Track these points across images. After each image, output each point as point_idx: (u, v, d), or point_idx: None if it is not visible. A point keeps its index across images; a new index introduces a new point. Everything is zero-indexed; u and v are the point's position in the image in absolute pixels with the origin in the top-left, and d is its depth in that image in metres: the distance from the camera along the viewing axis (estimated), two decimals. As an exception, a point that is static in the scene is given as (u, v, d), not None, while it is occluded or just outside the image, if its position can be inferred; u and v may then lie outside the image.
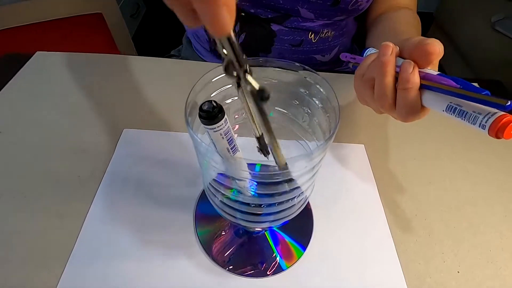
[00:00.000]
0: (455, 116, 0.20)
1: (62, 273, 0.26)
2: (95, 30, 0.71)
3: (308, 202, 0.33)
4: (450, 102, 0.20)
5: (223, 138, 0.19)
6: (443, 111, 0.21)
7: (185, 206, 0.31)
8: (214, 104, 0.18)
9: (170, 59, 0.49)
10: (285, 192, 0.21)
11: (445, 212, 0.33)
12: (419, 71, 0.23)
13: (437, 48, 0.22)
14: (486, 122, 0.17)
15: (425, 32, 0.26)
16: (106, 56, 0.48)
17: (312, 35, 0.47)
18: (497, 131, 0.16)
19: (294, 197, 0.22)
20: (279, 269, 0.28)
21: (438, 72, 0.23)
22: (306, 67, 0.22)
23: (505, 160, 0.39)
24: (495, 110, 0.17)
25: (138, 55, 0.50)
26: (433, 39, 0.23)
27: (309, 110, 0.23)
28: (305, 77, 0.22)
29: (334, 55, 0.52)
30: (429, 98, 0.23)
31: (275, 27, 0.46)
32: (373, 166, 0.37)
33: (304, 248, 0.29)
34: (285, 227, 0.31)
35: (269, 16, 0.45)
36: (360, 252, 0.30)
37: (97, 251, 0.28)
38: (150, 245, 0.28)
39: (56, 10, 0.65)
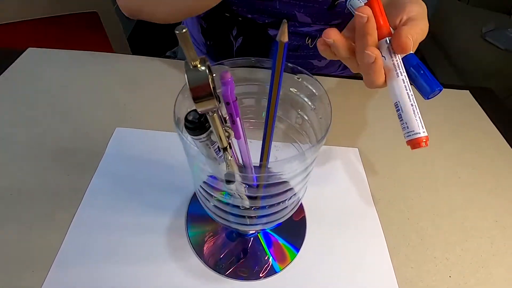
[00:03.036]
0: (397, 115, 0.24)
1: (47, 275, 0.25)
2: (89, 29, 0.71)
3: (302, 204, 0.33)
4: (398, 101, 0.24)
5: (210, 148, 0.19)
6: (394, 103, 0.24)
7: (176, 207, 0.31)
8: (200, 114, 0.17)
9: (164, 58, 0.49)
10: (277, 194, 0.21)
11: (437, 217, 0.33)
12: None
13: (408, 45, 0.23)
14: (407, 136, 0.24)
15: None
16: (99, 54, 0.48)
17: (309, 40, 0.47)
18: (410, 145, 0.24)
19: (286, 199, 0.22)
20: (272, 272, 0.27)
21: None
22: (299, 67, 0.22)
23: (496, 165, 0.40)
24: (412, 133, 0.23)
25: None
26: (407, 32, 0.23)
27: (301, 112, 0.23)
28: (297, 78, 0.22)
29: (330, 60, 0.52)
30: (389, 85, 0.24)
31: (272, 32, 0.46)
32: (366, 170, 0.37)
33: (298, 250, 0.29)
34: (278, 229, 0.30)
35: (266, 21, 0.45)
36: (353, 255, 0.29)
37: (84, 253, 0.27)
38: (140, 247, 0.28)
39: (51, 7, 0.65)
